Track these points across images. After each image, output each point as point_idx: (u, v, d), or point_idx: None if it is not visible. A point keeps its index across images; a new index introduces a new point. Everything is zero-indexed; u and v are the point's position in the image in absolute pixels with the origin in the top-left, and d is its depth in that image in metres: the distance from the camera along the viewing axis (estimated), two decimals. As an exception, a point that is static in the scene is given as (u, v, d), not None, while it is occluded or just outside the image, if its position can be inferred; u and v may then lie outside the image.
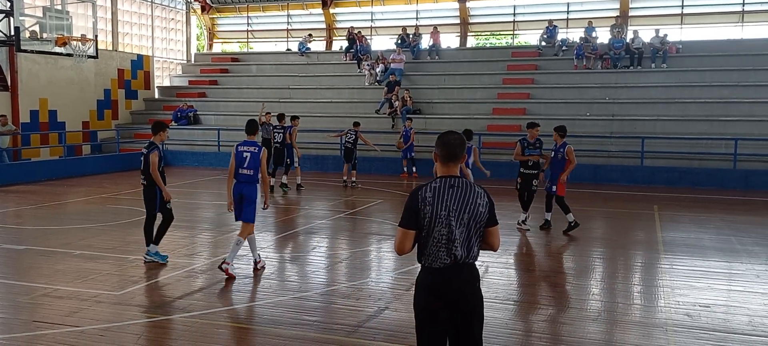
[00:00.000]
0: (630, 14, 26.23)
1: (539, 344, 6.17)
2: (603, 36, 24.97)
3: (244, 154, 8.42)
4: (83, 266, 9.34)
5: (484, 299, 4.03)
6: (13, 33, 17.27)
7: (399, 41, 27.34)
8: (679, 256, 9.96)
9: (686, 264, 9.50)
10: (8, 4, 17.67)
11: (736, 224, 12.61)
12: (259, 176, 8.47)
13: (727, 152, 18.76)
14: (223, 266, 8.32)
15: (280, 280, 8.58)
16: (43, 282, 8.16)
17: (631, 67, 23.31)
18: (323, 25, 31.25)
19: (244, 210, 8.46)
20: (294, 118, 17.44)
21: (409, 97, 23.35)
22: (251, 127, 8.66)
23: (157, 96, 28.72)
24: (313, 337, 6.24)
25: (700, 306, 7.27)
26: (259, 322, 6.70)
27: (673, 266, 9.26)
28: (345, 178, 18.20)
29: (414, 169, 20.48)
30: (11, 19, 17.43)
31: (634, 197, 16.52)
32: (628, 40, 24.03)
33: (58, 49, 18.42)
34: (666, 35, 23.65)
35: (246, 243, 8.65)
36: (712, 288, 8.14)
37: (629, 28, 25.60)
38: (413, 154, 20.29)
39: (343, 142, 18.53)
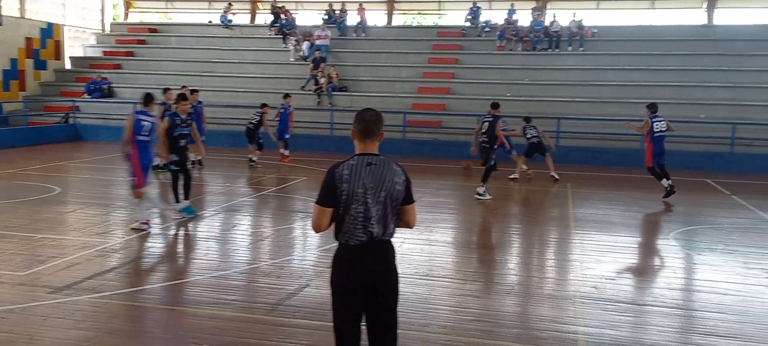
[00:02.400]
0: (549, -2, 26.98)
1: (456, 317, 6.34)
2: (524, 19, 25.57)
3: (143, 123, 9.44)
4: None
5: (403, 275, 4.10)
6: None
7: (325, 17, 27.07)
8: (589, 232, 10.42)
9: (595, 239, 9.95)
10: None
11: (643, 201, 13.29)
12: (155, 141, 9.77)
13: (637, 133, 19.63)
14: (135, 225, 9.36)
15: (199, 259, 8.42)
16: (-60, 263, 7.69)
17: (550, 50, 24.02)
18: (247, -2, 30.55)
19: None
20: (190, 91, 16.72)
21: (336, 74, 23.23)
22: (148, 99, 9.75)
23: (68, 67, 27.34)
24: (230, 316, 6.17)
25: (606, 278, 7.65)
26: (175, 302, 6.57)
27: (583, 241, 9.68)
28: (250, 156, 17.58)
29: (287, 152, 18.32)
30: None
31: (549, 175, 17.09)
32: (547, 24, 24.72)
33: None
34: (582, 20, 24.47)
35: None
36: (618, 261, 8.58)
37: (548, 11, 26.35)
38: (288, 135, 18.42)
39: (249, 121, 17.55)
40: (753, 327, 6.20)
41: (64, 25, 27.43)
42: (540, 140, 15.86)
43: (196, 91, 16.66)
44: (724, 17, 27.07)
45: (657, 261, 8.90)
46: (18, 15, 25.07)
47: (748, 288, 7.47)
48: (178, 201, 10.52)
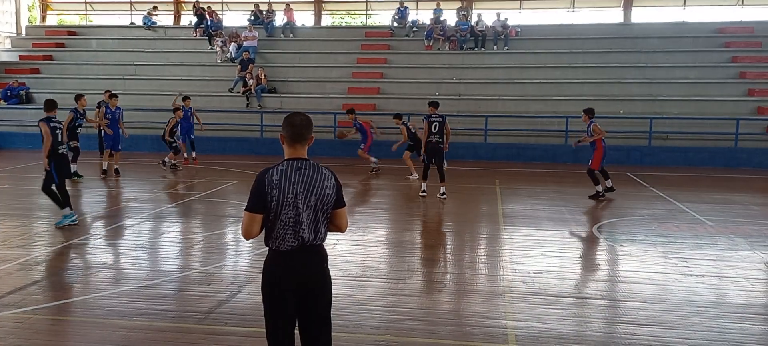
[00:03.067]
0: (474, -3, 27.55)
1: (390, 317, 6.42)
2: (450, 18, 26.02)
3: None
4: None
5: (336, 276, 4.15)
6: None
7: (252, 18, 26.73)
8: (518, 227, 10.76)
9: (523, 234, 10.28)
10: None
11: (567, 195, 13.79)
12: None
13: (559, 129, 20.38)
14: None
15: (126, 269, 8.19)
16: None
17: (476, 49, 24.54)
18: (170, -1, 29.80)
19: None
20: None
21: (264, 75, 23.00)
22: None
23: (-19, 72, 25.94)
24: (161, 326, 6.05)
25: (534, 273, 7.92)
26: (101, 314, 6.37)
27: (512, 237, 9.98)
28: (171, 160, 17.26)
29: (193, 153, 18.31)
30: None
31: (479, 172, 17.52)
32: (472, 23, 25.24)
33: None
34: (507, 19, 25.11)
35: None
36: (544, 255, 8.88)
37: (474, 11, 26.91)
38: (193, 136, 18.36)
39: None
40: (673, 315, 6.55)
41: (-26, 27, 26.01)
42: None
43: (116, 95, 16.17)
44: (640, 16, 28.40)
45: (582, 254, 9.28)
46: None
47: (668, 277, 7.88)
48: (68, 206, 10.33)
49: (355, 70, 24.17)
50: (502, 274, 7.96)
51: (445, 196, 13.03)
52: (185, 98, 18.32)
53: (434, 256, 9.15)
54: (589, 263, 8.81)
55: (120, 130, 15.57)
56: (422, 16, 27.09)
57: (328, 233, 4.03)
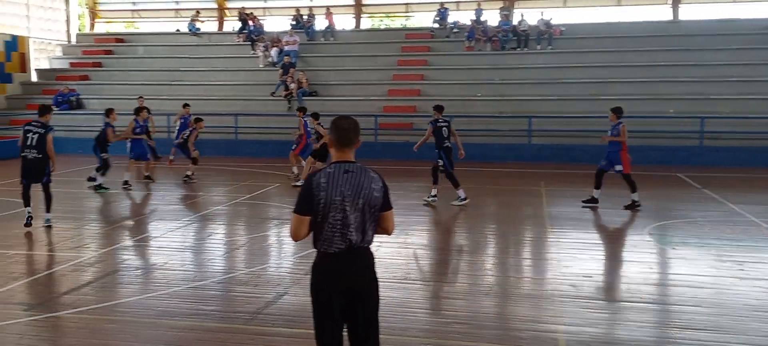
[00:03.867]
0: (516, -3, 27.27)
1: (435, 320, 6.37)
2: (492, 18, 25.82)
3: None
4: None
5: (381, 279, 4.11)
6: None
7: (293, 22, 26.99)
8: (565, 229, 10.56)
9: (571, 237, 10.09)
10: None
11: (614, 197, 13.46)
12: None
13: (606, 130, 19.91)
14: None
15: (175, 270, 8.32)
16: None
17: (518, 49, 24.27)
18: (214, 5, 30.31)
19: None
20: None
21: (305, 79, 23.18)
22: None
23: (34, 79, 26.83)
24: (209, 326, 6.12)
25: (583, 276, 7.75)
26: (153, 315, 6.48)
27: (559, 239, 9.80)
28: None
29: (171, 157, 17.98)
30: None
31: (522, 174, 17.30)
32: (515, 23, 24.98)
33: None
34: (551, 18, 24.76)
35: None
36: (594, 259, 8.70)
37: (516, 10, 26.63)
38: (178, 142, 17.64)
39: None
40: (728, 319, 6.33)
41: (29, 37, 26.91)
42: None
43: (145, 109, 16.03)
44: (688, 13, 27.61)
45: (633, 257, 9.04)
46: (-20, 28, 24.57)
47: (722, 280, 7.62)
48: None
49: (395, 73, 24.17)
50: (550, 277, 7.82)
51: (466, 200, 12.51)
52: (185, 105, 18.37)
53: (478, 259, 9.04)
54: (640, 266, 8.59)
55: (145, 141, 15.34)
56: (463, 16, 26.96)
57: (375, 235, 4.01)
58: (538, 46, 24.20)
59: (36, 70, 27.16)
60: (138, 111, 15.46)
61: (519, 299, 7.04)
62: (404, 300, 6.92)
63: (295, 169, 16.31)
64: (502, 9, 26.03)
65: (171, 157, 18.06)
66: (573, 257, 8.76)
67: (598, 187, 12.38)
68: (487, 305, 6.94)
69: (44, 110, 10.35)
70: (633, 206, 11.99)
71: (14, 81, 25.73)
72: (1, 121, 23.77)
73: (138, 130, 15.18)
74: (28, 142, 10.05)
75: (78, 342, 5.77)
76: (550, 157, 19.72)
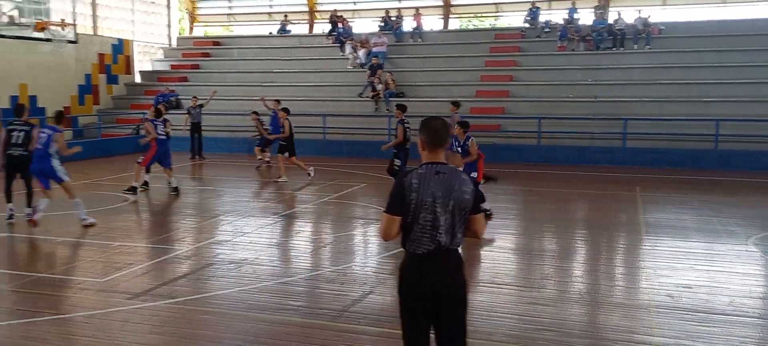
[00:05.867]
0: (612, -5, 26.33)
1: (522, 326, 6.23)
2: (586, 17, 25.05)
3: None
4: (67, 252, 9.29)
5: (468, 283, 4.06)
6: (-11, 18, 16.98)
7: (381, 24, 27.21)
8: (661, 237, 10.08)
9: (668, 245, 9.62)
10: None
11: (716, 204, 12.77)
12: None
13: (708, 133, 18.97)
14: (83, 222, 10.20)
15: (264, 265, 8.57)
16: (26, 270, 8.10)
17: (614, 49, 23.42)
18: (305, 8, 31.03)
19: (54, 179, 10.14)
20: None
21: (393, 80, 23.30)
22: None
23: (138, 80, 28.38)
24: (298, 322, 6.25)
25: (682, 287, 7.37)
26: (244, 308, 6.70)
27: (656, 248, 9.37)
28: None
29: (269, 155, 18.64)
30: (-13, 3, 17.13)
31: (617, 178, 16.67)
32: (610, 22, 24.13)
33: (36, 35, 18.11)
34: (649, 16, 23.75)
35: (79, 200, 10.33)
36: (694, 269, 8.25)
37: (612, 9, 25.71)
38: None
39: None
40: (843, 337, 5.85)
41: (133, 40, 28.50)
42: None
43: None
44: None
45: (736, 268, 8.50)
46: (91, 32, 26.21)
47: (836, 296, 7.06)
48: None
49: (483, 73, 23.89)
50: (646, 287, 7.49)
51: None
52: (276, 102, 19.01)
53: (568, 265, 8.78)
54: (744, 277, 8.06)
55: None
56: (555, 16, 26.26)
57: (464, 237, 3.97)
58: (635, 46, 23.24)
59: (139, 71, 28.74)
60: (159, 113, 14.35)
61: (611, 309, 6.78)
62: (490, 304, 6.82)
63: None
64: (596, 7, 25.19)
65: (268, 157, 18.77)
66: (670, 266, 8.35)
67: None
68: (577, 313, 6.73)
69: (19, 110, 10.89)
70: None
71: (120, 82, 27.31)
72: (107, 120, 25.29)
73: (161, 132, 14.00)
74: (14, 140, 10.45)
75: (175, 331, 6.04)
76: (647, 162, 18.90)
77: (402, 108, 13.20)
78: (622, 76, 22.34)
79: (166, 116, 14.71)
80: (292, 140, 15.83)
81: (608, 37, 23.65)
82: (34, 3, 18.01)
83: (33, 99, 23.06)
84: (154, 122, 13.93)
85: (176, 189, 13.69)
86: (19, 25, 17.82)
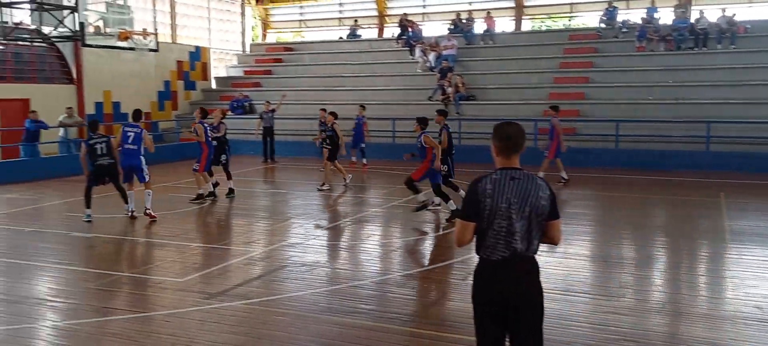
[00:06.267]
0: (694, -7, 25.24)
1: (600, 336, 6.02)
2: (666, 16, 24.12)
3: (129, 133, 11.38)
4: (147, 253, 9.65)
5: (543, 291, 3.95)
6: (78, 28, 17.82)
7: (451, 27, 27.05)
8: (748, 246, 9.56)
9: (756, 254, 9.11)
10: (73, 0, 18.26)
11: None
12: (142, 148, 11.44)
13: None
14: (147, 212, 11.20)
15: (336, 268, 8.64)
16: (110, 269, 8.46)
17: (696, 49, 22.43)
18: (375, 13, 31.23)
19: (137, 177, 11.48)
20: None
21: (463, 83, 23.12)
22: (137, 115, 11.94)
23: (214, 86, 29.28)
24: (370, 325, 6.26)
25: (771, 298, 6.96)
26: (316, 310, 6.77)
27: (741, 256, 8.89)
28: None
29: (364, 159, 19.51)
30: (76, 14, 17.99)
31: (699, 183, 15.95)
32: (692, 21, 23.13)
33: (120, 44, 18.95)
34: (734, 15, 22.63)
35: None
36: (784, 280, 7.78)
37: (694, 7, 24.64)
38: (364, 144, 19.52)
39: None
40: None
41: (209, 48, 29.45)
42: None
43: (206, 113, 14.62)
44: None
45: (831, 279, 7.98)
46: (170, 41, 27.25)
47: None
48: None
49: (557, 76, 23.36)
50: (731, 297, 7.11)
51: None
52: (361, 107, 19.47)
53: (648, 273, 8.44)
54: (842, 291, 7.55)
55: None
56: (633, 15, 25.39)
57: (541, 244, 3.86)
58: (719, 46, 22.18)
59: (215, 78, 29.67)
60: (205, 113, 13.78)
61: (694, 319, 6.47)
62: (566, 313, 6.62)
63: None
64: (677, 6, 24.20)
65: (353, 159, 19.08)
66: (758, 276, 7.90)
67: None
68: (658, 324, 6.45)
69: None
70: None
71: (197, 88, 28.29)
72: (185, 125, 26.17)
73: (211, 135, 13.55)
74: (99, 152, 11.29)
75: (250, 331, 6.16)
76: (731, 166, 17.98)
77: (443, 113, 12.73)
78: (705, 77, 21.35)
79: (222, 120, 14.15)
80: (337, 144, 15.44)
81: (690, 37, 22.66)
82: (119, 13, 18.82)
83: (116, 105, 24.20)
84: (204, 124, 13.40)
85: (201, 196, 13.31)
86: (105, 34, 18.66)
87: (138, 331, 6.17)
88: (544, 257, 8.42)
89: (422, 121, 11.63)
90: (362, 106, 19.59)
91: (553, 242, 3.91)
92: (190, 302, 6.96)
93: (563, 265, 8.62)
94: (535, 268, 3.87)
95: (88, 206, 11.30)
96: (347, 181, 15.55)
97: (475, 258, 3.92)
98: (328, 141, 15.32)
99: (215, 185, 13.78)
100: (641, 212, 12.14)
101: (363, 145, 19.57)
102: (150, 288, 7.58)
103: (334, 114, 15.76)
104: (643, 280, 8.06)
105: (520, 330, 3.84)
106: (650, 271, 8.56)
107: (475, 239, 3.85)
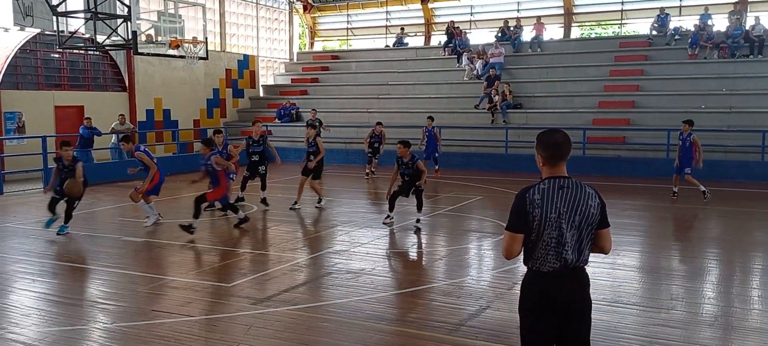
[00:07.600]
0: (750, -1, 24.51)
1: (650, 350, 5.88)
2: (720, 23, 23.46)
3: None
4: (196, 257, 9.86)
5: (592, 302, 3.89)
6: (130, 37, 18.38)
7: (499, 34, 26.88)
8: (808, 260, 9.21)
9: (816, 269, 8.76)
10: (126, 9, 18.84)
11: None
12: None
13: None
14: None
15: (381, 276, 8.67)
16: (160, 273, 8.68)
17: (751, 56, 21.76)
18: (422, 21, 31.27)
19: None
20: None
21: (510, 91, 22.93)
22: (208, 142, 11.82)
23: (262, 94, 29.76)
24: (415, 334, 6.26)
25: (832, 315, 6.69)
26: (361, 317, 6.80)
27: (801, 271, 8.57)
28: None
29: (436, 167, 19.61)
30: (129, 23, 18.57)
31: (754, 194, 15.45)
32: (747, 28, 22.45)
33: (171, 52, 19.44)
34: (791, 20, 21.90)
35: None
36: None
37: (749, 14, 23.91)
38: (438, 154, 19.62)
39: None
40: None
41: (257, 56, 29.97)
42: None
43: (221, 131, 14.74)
44: None
45: None
46: (219, 49, 27.84)
47: None
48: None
49: (607, 83, 22.96)
50: (789, 313, 6.85)
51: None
52: (429, 118, 19.46)
53: (698, 285, 8.20)
54: None
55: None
56: (685, 22, 24.78)
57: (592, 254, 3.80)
58: (775, 53, 21.49)
59: (263, 86, 30.15)
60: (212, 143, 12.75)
61: (746, 333, 6.27)
62: (615, 324, 6.49)
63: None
64: (731, 13, 23.51)
65: (436, 168, 19.20)
66: (819, 292, 7.59)
67: None
68: (710, 337, 6.27)
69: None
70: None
71: (245, 96, 28.81)
72: (233, 132, 26.67)
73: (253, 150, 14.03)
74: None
75: (296, 337, 6.23)
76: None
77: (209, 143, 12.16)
78: (761, 85, 20.69)
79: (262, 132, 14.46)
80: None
81: (745, 44, 22.00)
82: (170, 22, 19.31)
83: (166, 112, 24.82)
84: (220, 153, 12.70)
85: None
86: (156, 43, 19.17)
87: (185, 334, 6.31)
88: (591, 267, 8.30)
89: (208, 142, 11.87)
90: (431, 118, 19.75)
91: (603, 251, 3.85)
92: (237, 307, 7.08)
93: (612, 276, 8.46)
94: (586, 279, 3.82)
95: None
96: (321, 203, 14.11)
97: (521, 267, 3.88)
98: (312, 157, 13.84)
99: (240, 199, 13.81)
100: (692, 224, 11.82)
101: (437, 154, 19.72)
102: (198, 292, 7.74)
103: (314, 127, 14.54)
104: (694, 292, 7.84)
105: (570, 341, 3.79)
106: (701, 283, 8.33)
107: (523, 250, 3.82)
